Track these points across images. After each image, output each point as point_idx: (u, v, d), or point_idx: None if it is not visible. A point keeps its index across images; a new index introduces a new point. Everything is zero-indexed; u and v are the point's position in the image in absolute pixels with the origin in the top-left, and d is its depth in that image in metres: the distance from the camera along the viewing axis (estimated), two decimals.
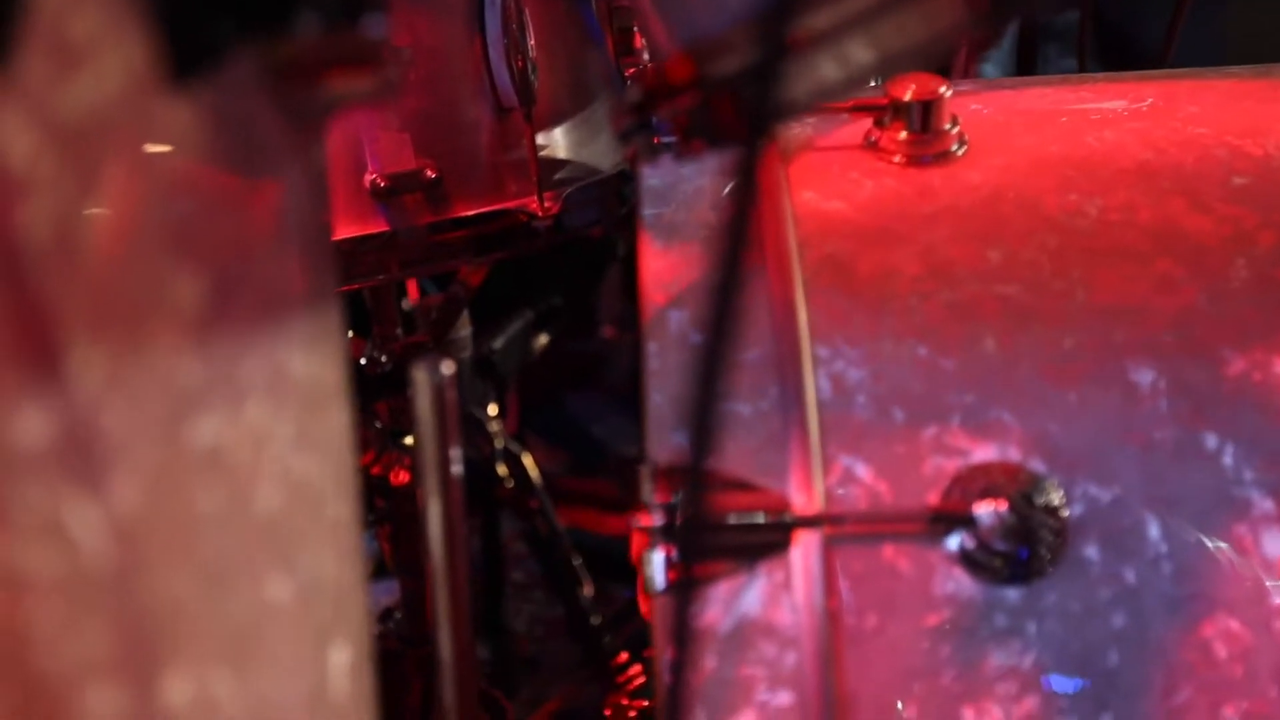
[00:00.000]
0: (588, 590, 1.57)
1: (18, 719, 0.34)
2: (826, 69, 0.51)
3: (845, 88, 0.53)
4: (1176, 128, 0.82)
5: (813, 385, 0.69)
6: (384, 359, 1.29)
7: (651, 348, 0.69)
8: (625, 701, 1.38)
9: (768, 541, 0.65)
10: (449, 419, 0.60)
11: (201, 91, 0.39)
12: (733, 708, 0.64)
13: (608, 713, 1.38)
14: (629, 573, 0.72)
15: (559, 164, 1.10)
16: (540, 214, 1.07)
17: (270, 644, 0.43)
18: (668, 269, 0.73)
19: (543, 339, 1.62)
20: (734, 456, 0.67)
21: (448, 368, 0.59)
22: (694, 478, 0.48)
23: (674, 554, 0.64)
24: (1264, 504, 0.66)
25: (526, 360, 1.59)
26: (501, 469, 1.57)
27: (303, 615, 0.46)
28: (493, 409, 1.56)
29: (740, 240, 0.42)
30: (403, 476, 1.37)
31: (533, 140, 1.06)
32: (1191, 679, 0.63)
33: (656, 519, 0.65)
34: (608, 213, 1.15)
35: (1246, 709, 0.62)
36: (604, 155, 1.12)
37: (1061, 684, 0.64)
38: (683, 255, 0.73)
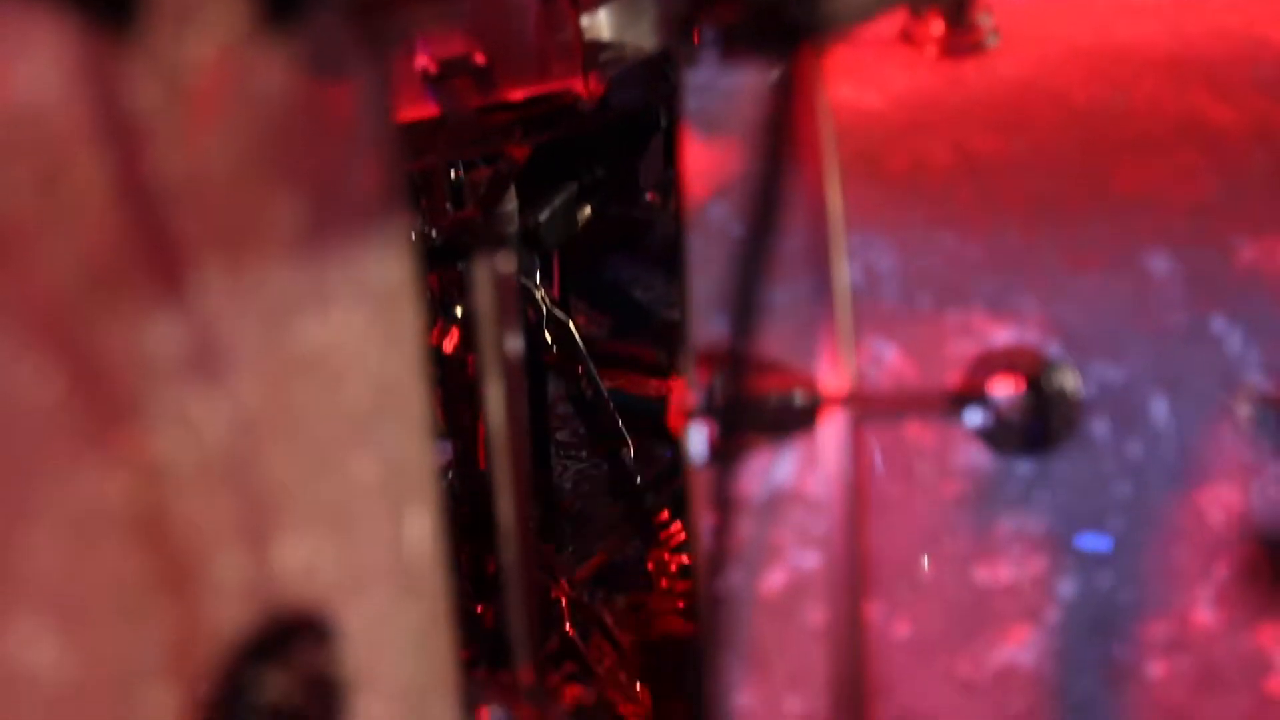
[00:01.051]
0: (630, 450, 1.64)
1: (162, 584, 0.40)
2: None
3: (882, 6, 0.56)
4: (1206, 17, 0.84)
5: (845, 272, 0.73)
6: (433, 233, 1.34)
7: (693, 238, 0.74)
8: (667, 556, 1.46)
9: (801, 418, 0.71)
10: (508, 309, 0.65)
11: (293, 30, 0.43)
12: (766, 567, 0.71)
13: (650, 566, 1.46)
14: (669, 433, 0.78)
15: (603, 45, 1.12)
16: (585, 95, 1.10)
17: (361, 515, 0.50)
18: (709, 162, 0.77)
19: (586, 210, 1.66)
20: (771, 339, 0.72)
21: (507, 262, 0.64)
22: (735, 360, 0.53)
23: (714, 430, 0.70)
24: (1265, 385, 0.71)
25: (570, 232, 1.64)
26: (547, 334, 1.63)
27: (386, 490, 0.52)
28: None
29: (781, 144, 0.47)
30: (453, 345, 1.43)
31: (578, 23, 1.08)
32: (1186, 540, 0.69)
33: (698, 398, 0.70)
34: (652, 91, 1.18)
35: (1235, 566, 0.68)
36: (647, 35, 1.15)
37: (1068, 545, 0.70)
38: (724, 149, 0.77)
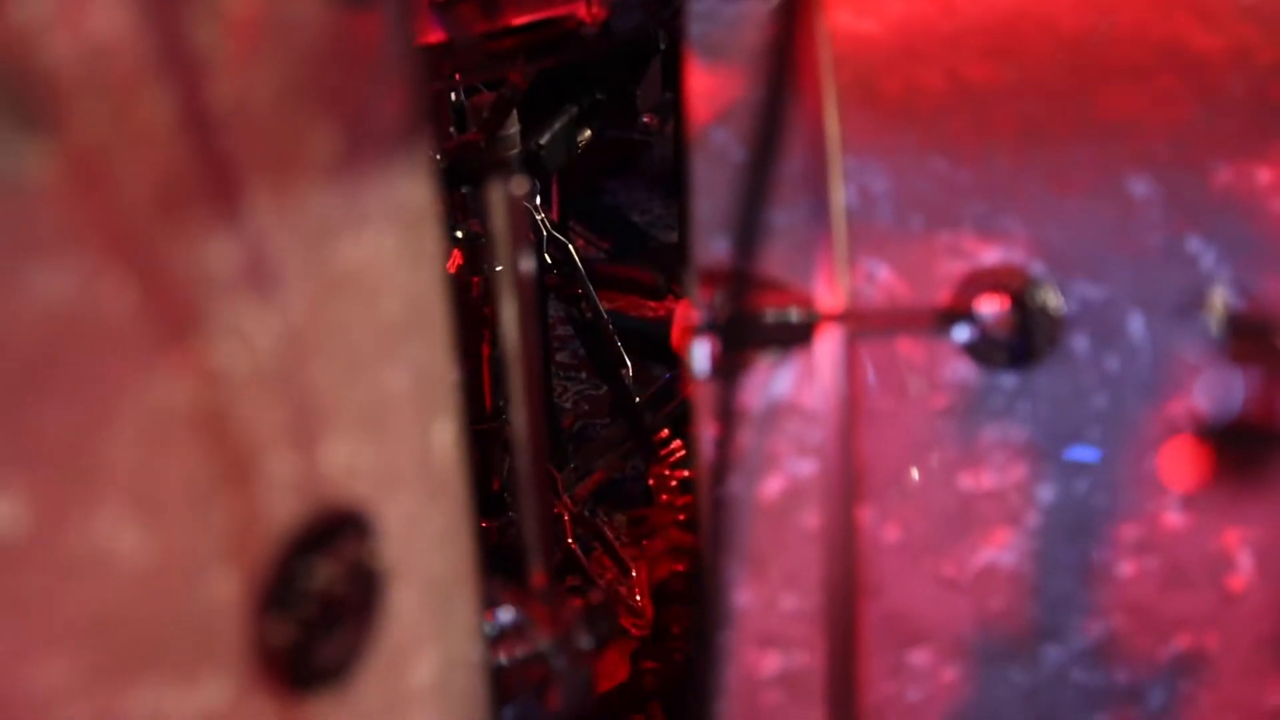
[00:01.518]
0: (628, 371, 1.68)
1: (224, 479, 0.44)
2: None
3: None
4: None
5: (841, 195, 0.77)
6: (438, 156, 1.37)
7: (696, 162, 0.77)
8: (667, 472, 1.50)
9: (798, 334, 0.75)
10: (520, 229, 0.69)
11: None
12: (765, 474, 0.75)
13: (651, 482, 1.51)
14: (667, 354, 0.82)
15: None
16: (588, 20, 1.12)
17: (394, 422, 0.54)
18: (712, 88, 0.80)
19: (586, 133, 1.68)
20: (770, 259, 0.76)
21: (520, 185, 0.68)
22: (736, 279, 0.57)
23: (716, 345, 0.74)
24: (1233, 300, 0.75)
25: (571, 155, 1.66)
26: (547, 257, 1.66)
27: (416, 399, 0.56)
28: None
29: (781, 70, 0.50)
30: (455, 267, 1.46)
31: None
32: (1158, 449, 0.74)
33: (701, 315, 0.74)
34: (653, 15, 1.20)
35: (1203, 472, 0.73)
36: None
37: (1047, 454, 0.75)
38: (726, 75, 0.80)
